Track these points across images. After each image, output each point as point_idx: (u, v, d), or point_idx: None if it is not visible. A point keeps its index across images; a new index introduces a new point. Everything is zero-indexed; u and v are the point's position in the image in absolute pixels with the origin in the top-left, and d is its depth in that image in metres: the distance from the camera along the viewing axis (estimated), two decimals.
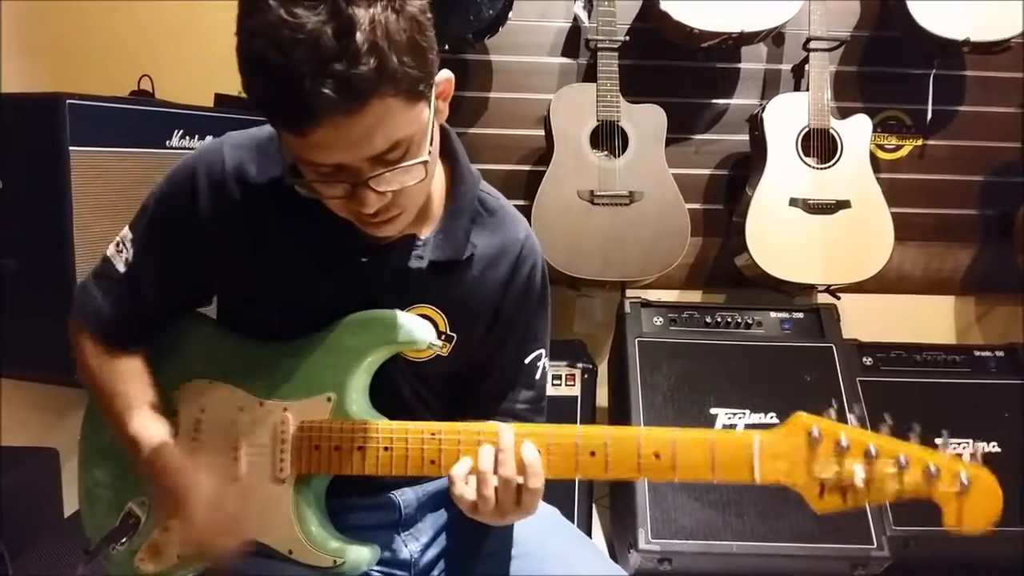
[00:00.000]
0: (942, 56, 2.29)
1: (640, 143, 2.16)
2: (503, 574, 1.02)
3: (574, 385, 2.00)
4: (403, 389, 1.04)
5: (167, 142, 1.73)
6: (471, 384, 1.08)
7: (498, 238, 1.04)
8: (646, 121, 2.18)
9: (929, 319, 2.52)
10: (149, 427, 0.95)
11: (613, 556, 1.99)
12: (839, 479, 0.85)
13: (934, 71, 2.33)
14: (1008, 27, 2.10)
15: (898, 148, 2.46)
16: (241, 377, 0.99)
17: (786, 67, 2.40)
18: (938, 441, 0.86)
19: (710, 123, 2.43)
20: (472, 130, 2.39)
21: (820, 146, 2.17)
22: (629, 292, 2.22)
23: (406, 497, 1.07)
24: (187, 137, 1.76)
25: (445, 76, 0.87)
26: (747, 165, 2.35)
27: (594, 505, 2.08)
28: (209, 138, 1.48)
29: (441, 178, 1.02)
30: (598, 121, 2.14)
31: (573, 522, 1.92)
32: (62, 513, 1.84)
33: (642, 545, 1.79)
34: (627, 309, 2.11)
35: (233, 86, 1.19)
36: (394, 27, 0.74)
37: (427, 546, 1.08)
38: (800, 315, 2.13)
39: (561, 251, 2.10)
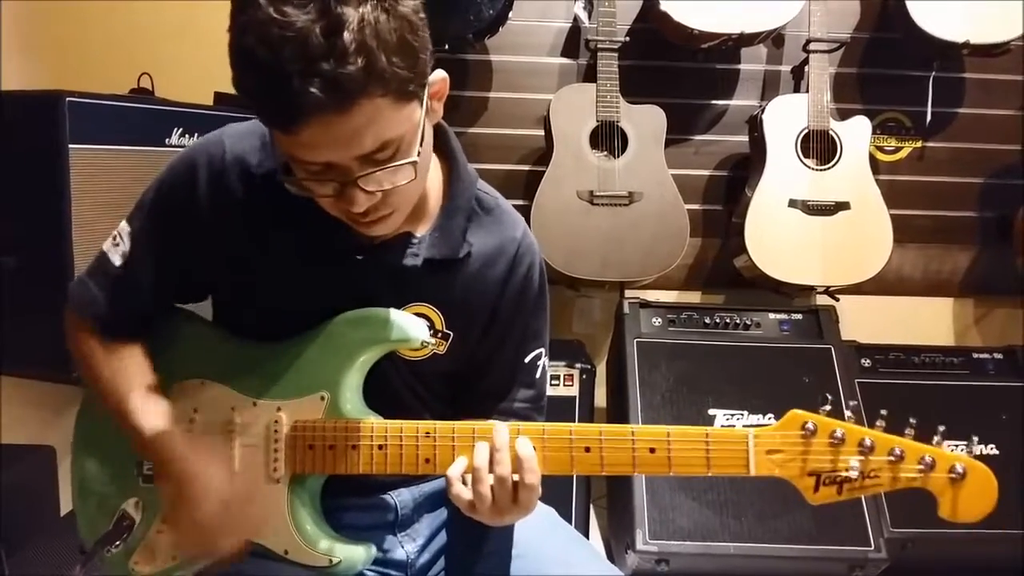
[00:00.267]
0: (942, 58, 2.28)
1: (640, 144, 2.16)
2: (503, 574, 1.02)
3: (572, 385, 2.01)
4: (401, 389, 1.03)
5: (167, 140, 1.74)
6: (470, 383, 1.07)
7: (495, 237, 1.03)
8: (646, 122, 2.18)
9: (928, 321, 2.52)
10: (150, 410, 0.94)
11: (610, 557, 1.99)
12: (834, 471, 0.85)
13: (934, 73, 2.32)
14: (1008, 29, 2.10)
15: (897, 150, 2.46)
16: (234, 377, 0.99)
17: (786, 68, 2.40)
18: (934, 440, 0.86)
19: (710, 124, 2.43)
20: (472, 130, 2.39)
21: (819, 147, 2.17)
22: (628, 293, 2.22)
23: (402, 498, 1.07)
24: (187, 135, 1.76)
25: (439, 76, 0.87)
26: (746, 166, 2.35)
27: (591, 505, 2.08)
28: None
29: (438, 176, 1.02)
30: (598, 121, 2.14)
31: (570, 523, 1.91)
32: (59, 511, 1.83)
33: (639, 546, 1.78)
34: (626, 310, 2.11)
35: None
36: (384, 27, 0.73)
37: (424, 547, 1.08)
38: (799, 316, 2.13)
39: (560, 251, 2.10)
